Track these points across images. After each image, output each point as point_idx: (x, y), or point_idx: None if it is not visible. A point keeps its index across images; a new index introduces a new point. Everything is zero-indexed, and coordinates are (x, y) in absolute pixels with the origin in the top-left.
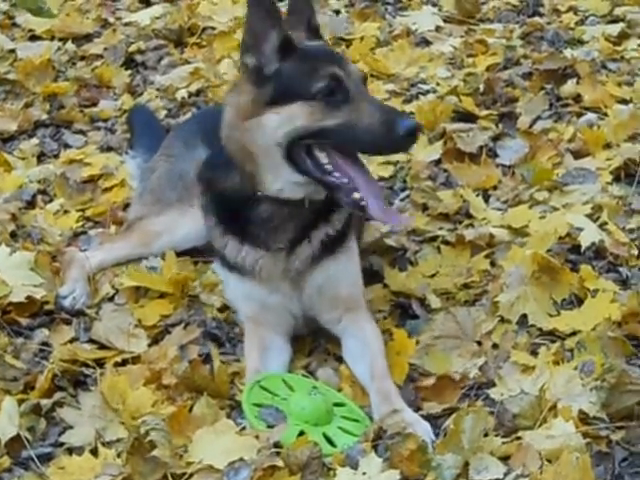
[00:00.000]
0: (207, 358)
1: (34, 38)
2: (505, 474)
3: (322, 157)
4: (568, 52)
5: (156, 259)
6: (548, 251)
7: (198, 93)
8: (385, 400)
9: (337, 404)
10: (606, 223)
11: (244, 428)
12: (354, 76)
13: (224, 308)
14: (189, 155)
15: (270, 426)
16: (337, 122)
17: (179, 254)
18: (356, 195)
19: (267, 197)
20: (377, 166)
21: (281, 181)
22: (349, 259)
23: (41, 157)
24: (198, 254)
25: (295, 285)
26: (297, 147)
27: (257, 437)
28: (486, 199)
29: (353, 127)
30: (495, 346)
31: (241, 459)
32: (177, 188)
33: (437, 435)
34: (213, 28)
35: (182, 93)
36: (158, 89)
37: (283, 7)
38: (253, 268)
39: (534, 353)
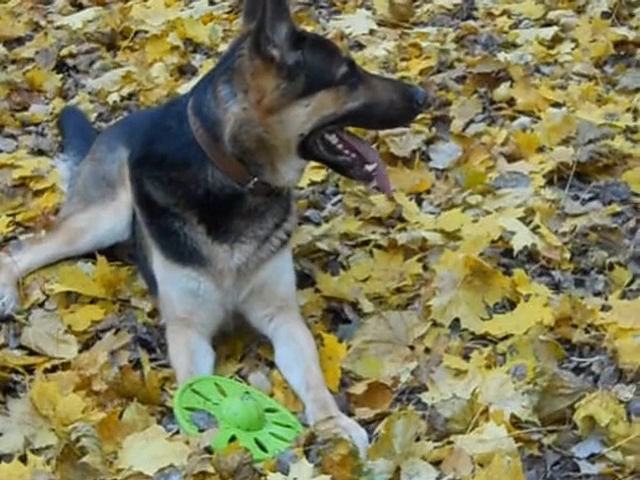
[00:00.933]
0: (138, 364)
1: None
2: (437, 479)
3: (332, 139)
4: (502, 56)
5: (87, 264)
6: (480, 255)
7: (130, 97)
8: (322, 409)
9: (269, 410)
10: (539, 227)
11: (175, 433)
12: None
13: (155, 313)
14: (111, 156)
15: (201, 430)
16: (360, 103)
17: (110, 258)
18: (368, 167)
19: (256, 189)
20: (309, 170)
21: (292, 170)
22: (289, 259)
23: None
24: (130, 259)
25: (240, 280)
26: (314, 135)
27: (188, 443)
28: (419, 203)
29: (375, 105)
30: (427, 350)
31: (171, 465)
32: (101, 187)
33: (370, 440)
34: (146, 32)
35: (114, 97)
36: (90, 93)
37: None
38: (209, 260)
39: (466, 357)
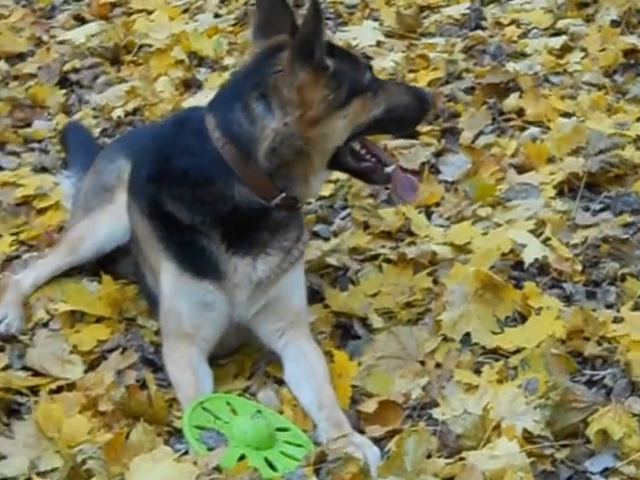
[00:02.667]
0: (144, 384)
1: None
2: None
3: (356, 146)
4: (511, 66)
5: (93, 283)
6: (491, 268)
7: (135, 112)
8: (335, 427)
9: (281, 429)
10: (549, 239)
11: (184, 454)
12: None
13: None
14: (110, 167)
15: (211, 449)
16: (382, 109)
17: (115, 277)
18: (388, 170)
19: (283, 203)
20: None
21: (320, 182)
22: (302, 274)
23: None
24: (135, 277)
25: (257, 293)
26: (346, 145)
27: (196, 463)
28: (429, 216)
29: (394, 109)
30: (438, 365)
31: None
32: (100, 195)
33: (381, 458)
34: (150, 46)
35: (118, 112)
36: (94, 108)
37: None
38: (226, 274)
39: (478, 372)
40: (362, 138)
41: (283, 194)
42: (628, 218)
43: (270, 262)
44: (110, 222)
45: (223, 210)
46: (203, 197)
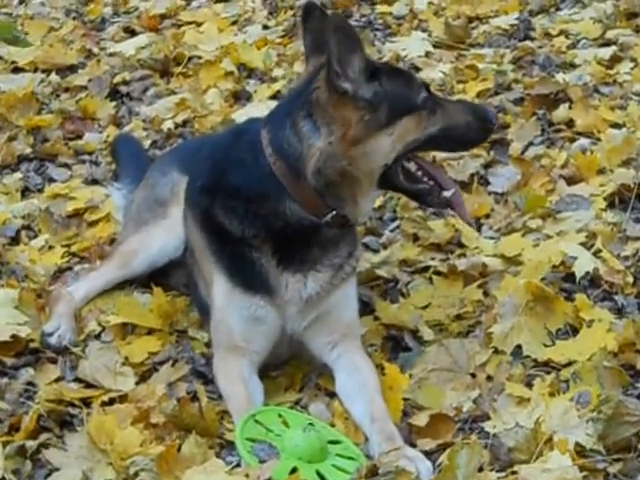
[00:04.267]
0: (195, 396)
1: (17, 70)
2: None
3: (412, 167)
4: (560, 76)
5: (144, 295)
6: (542, 280)
7: (184, 124)
8: (387, 440)
9: (333, 441)
10: (600, 251)
11: (235, 466)
12: None
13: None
14: (164, 180)
15: (262, 462)
16: (439, 127)
17: (166, 288)
18: (445, 194)
19: (334, 221)
20: None
21: (370, 201)
22: (354, 287)
23: (25, 192)
24: (185, 289)
25: (308, 307)
26: (396, 164)
27: (247, 476)
28: (479, 228)
29: (453, 128)
30: (489, 378)
31: None
32: (153, 209)
33: (433, 472)
34: (199, 57)
35: (168, 124)
36: (144, 120)
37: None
38: (277, 289)
39: (529, 385)
40: (417, 158)
41: (334, 212)
42: None
43: (320, 279)
44: (164, 237)
45: (274, 225)
46: (255, 211)
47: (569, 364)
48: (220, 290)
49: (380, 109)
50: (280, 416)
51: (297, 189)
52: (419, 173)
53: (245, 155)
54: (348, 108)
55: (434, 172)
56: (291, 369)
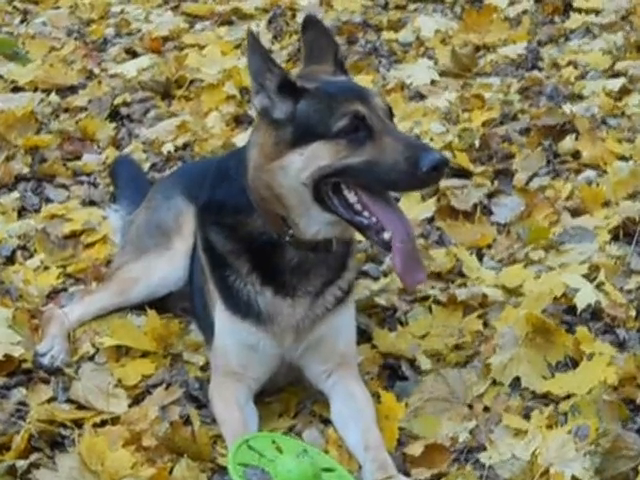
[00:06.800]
0: (188, 419)
1: (17, 89)
2: None
3: (351, 197)
4: (567, 107)
5: (139, 318)
6: (543, 312)
7: (185, 147)
8: (380, 469)
9: (327, 469)
10: (603, 283)
11: None
12: (378, 110)
13: (207, 367)
14: (166, 205)
15: None
16: (361, 160)
17: (161, 311)
18: (385, 235)
19: (294, 241)
20: None
21: (314, 223)
22: (351, 315)
23: (22, 212)
24: (182, 312)
25: (300, 335)
26: (324, 186)
27: None
28: (480, 258)
29: (377, 164)
30: (486, 409)
31: None
32: (155, 236)
33: None
34: (201, 80)
35: (168, 147)
36: (144, 142)
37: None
38: (269, 314)
39: (527, 417)
40: (357, 188)
41: (291, 231)
42: None
43: (302, 304)
44: (165, 268)
45: (244, 240)
46: (232, 226)
47: (568, 397)
48: (219, 314)
49: (288, 129)
50: (274, 442)
51: (260, 205)
52: (358, 205)
53: (232, 172)
54: (263, 124)
55: (377, 207)
56: (286, 395)
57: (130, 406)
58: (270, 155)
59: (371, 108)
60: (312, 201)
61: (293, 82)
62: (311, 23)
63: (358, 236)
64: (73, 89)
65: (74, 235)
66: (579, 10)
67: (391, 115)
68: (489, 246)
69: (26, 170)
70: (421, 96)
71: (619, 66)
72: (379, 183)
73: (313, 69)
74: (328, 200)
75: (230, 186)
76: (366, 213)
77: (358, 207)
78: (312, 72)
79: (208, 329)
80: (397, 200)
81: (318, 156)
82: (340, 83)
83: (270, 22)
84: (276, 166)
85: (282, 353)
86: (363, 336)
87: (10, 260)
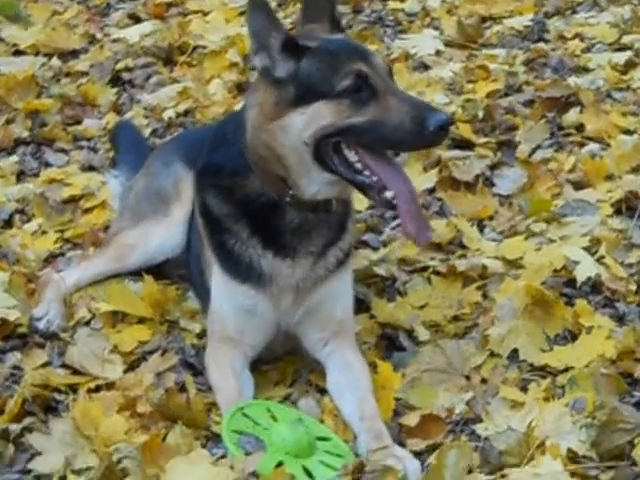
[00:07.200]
0: (184, 387)
1: (18, 53)
2: None
3: (351, 156)
4: (572, 80)
5: (136, 284)
6: (542, 284)
7: (186, 113)
8: (375, 438)
9: (321, 438)
10: (604, 257)
11: (220, 458)
12: (380, 70)
13: (203, 335)
14: (166, 171)
15: (248, 454)
16: (365, 119)
17: (159, 277)
18: (387, 194)
19: (295, 202)
20: None
21: (314, 183)
22: (349, 281)
23: (20, 176)
24: (180, 279)
25: (298, 298)
26: (325, 146)
27: (232, 467)
28: (481, 229)
29: (382, 124)
30: (484, 381)
31: None
32: (153, 203)
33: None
34: (204, 47)
35: (169, 113)
36: (145, 108)
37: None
38: (270, 276)
39: (524, 389)
40: (358, 147)
41: (291, 191)
42: None
43: (303, 265)
44: (163, 235)
45: (243, 202)
46: (229, 188)
47: (566, 370)
48: (215, 277)
49: (290, 88)
50: (269, 410)
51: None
52: (358, 165)
53: (230, 135)
54: (263, 84)
55: (379, 167)
56: (282, 364)
57: (125, 372)
58: (270, 115)
59: (373, 67)
60: (312, 161)
61: (296, 41)
62: None
63: (356, 205)
64: (75, 53)
65: (73, 200)
66: None
67: (391, 74)
68: (490, 218)
69: (26, 134)
70: (425, 66)
71: (625, 39)
72: (383, 142)
73: (311, 28)
74: (329, 160)
75: (228, 149)
76: (367, 172)
77: (359, 166)
78: (310, 31)
79: (205, 296)
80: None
81: (320, 115)
82: (340, 41)
83: None
84: (277, 126)
85: (279, 318)
86: (362, 306)
87: (8, 224)
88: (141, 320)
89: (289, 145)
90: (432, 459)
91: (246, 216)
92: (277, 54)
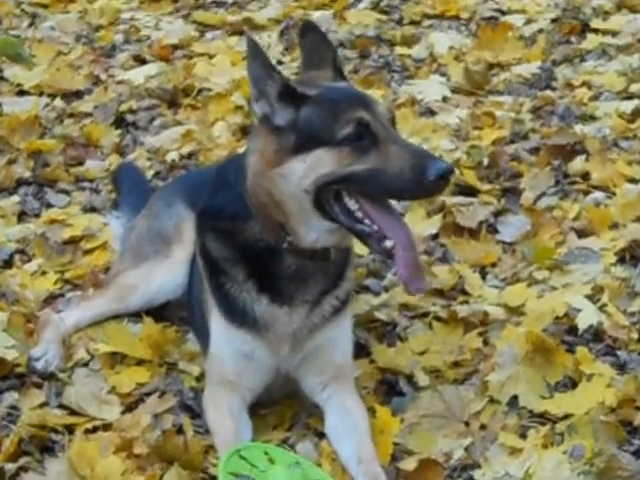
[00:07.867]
0: (181, 429)
1: (22, 93)
2: None
3: (352, 204)
4: (579, 128)
5: (136, 326)
6: (544, 331)
7: (190, 156)
8: None
9: None
10: (606, 305)
11: None
12: (382, 118)
13: (202, 377)
14: (168, 212)
15: None
16: (365, 167)
17: (159, 319)
18: (387, 244)
19: (293, 249)
20: None
21: (314, 230)
22: (348, 327)
23: (22, 216)
24: (180, 322)
25: (297, 345)
26: (325, 194)
27: None
28: (483, 276)
29: (382, 172)
30: (483, 427)
31: None
32: (155, 243)
33: None
34: (209, 90)
35: (173, 155)
36: (148, 150)
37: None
38: (266, 322)
39: (523, 436)
40: (358, 196)
41: (289, 238)
42: None
43: (299, 313)
44: (164, 276)
45: (241, 246)
46: (229, 232)
47: (566, 417)
48: (215, 322)
49: (290, 136)
50: (266, 453)
51: (258, 211)
52: (359, 213)
53: (231, 178)
54: (263, 131)
55: (379, 216)
56: (281, 407)
57: (123, 413)
58: (271, 162)
59: (375, 115)
60: (312, 208)
61: (294, 89)
62: (309, 29)
63: (358, 250)
64: (79, 94)
65: (74, 241)
66: (596, 31)
67: (393, 122)
68: (494, 264)
69: (28, 174)
70: (432, 112)
71: (633, 88)
72: (384, 191)
73: (312, 75)
74: (329, 208)
75: (228, 192)
76: (367, 221)
77: (359, 215)
78: (311, 78)
79: (206, 338)
80: (402, 215)
81: (321, 163)
82: (342, 89)
83: (282, 34)
84: (277, 173)
85: (278, 363)
86: (362, 351)
87: (8, 264)
88: (140, 362)
89: (289, 192)
90: None
91: (244, 260)
92: (275, 102)
